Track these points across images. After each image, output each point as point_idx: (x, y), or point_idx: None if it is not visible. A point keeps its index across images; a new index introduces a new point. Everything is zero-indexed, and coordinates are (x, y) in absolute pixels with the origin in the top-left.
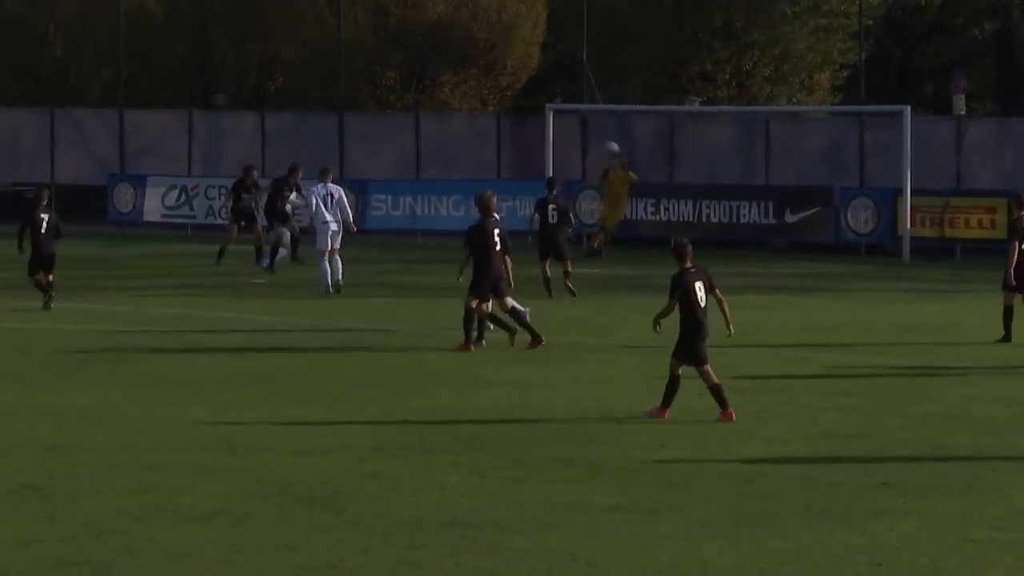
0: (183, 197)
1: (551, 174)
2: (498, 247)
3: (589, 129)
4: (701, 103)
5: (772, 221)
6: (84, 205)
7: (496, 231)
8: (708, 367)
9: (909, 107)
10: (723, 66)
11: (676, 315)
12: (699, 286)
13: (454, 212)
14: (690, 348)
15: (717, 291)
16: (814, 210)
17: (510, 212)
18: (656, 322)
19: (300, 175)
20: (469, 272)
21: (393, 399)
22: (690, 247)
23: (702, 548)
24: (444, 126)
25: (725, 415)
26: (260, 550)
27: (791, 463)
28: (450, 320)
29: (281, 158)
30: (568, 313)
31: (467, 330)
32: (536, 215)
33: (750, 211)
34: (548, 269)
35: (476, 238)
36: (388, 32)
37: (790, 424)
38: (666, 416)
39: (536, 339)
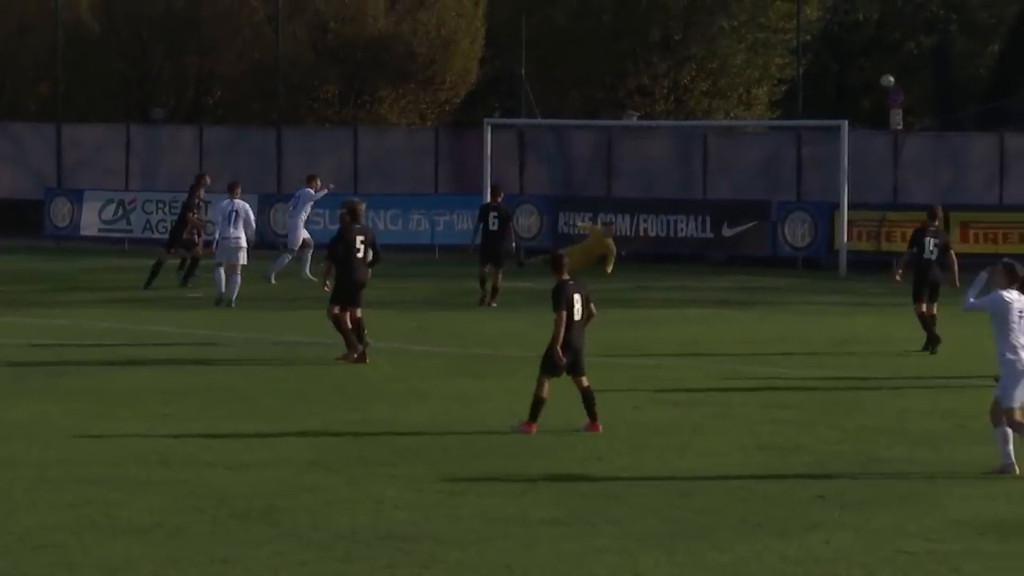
0: (120, 211)
1: (493, 183)
2: (360, 254)
3: (527, 143)
4: (639, 117)
5: (709, 235)
6: (21, 219)
7: (360, 238)
8: (547, 381)
9: (846, 122)
10: (661, 80)
11: (549, 327)
12: (578, 298)
13: (392, 226)
14: (552, 359)
15: (592, 306)
16: (751, 224)
17: (448, 226)
18: (560, 350)
19: (207, 182)
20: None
21: (331, 412)
22: (567, 259)
23: (638, 561)
24: (382, 140)
25: (526, 427)
26: (195, 564)
27: (728, 476)
28: (389, 333)
29: (219, 172)
30: (505, 327)
31: (345, 337)
32: (480, 223)
33: (687, 225)
34: (486, 272)
35: (340, 245)
36: (327, 47)
37: (727, 437)
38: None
39: (362, 357)
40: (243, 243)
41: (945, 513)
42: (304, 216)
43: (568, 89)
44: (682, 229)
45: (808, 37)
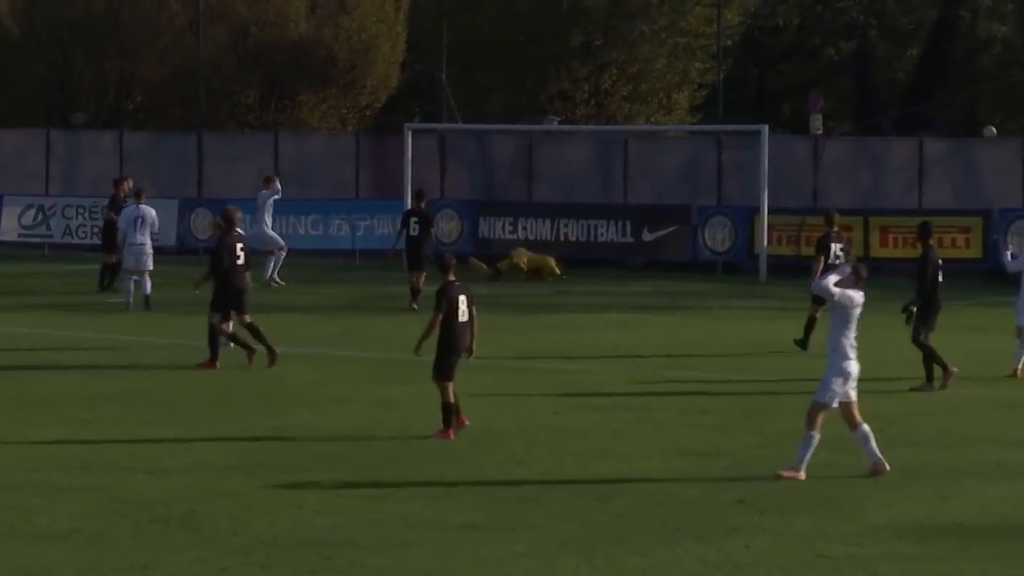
0: (40, 216)
1: (417, 188)
2: (240, 261)
3: (448, 148)
4: (560, 122)
5: (630, 239)
6: None
7: (239, 245)
8: (451, 385)
9: (767, 126)
10: (581, 85)
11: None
12: (462, 299)
13: (312, 231)
14: (442, 363)
15: (473, 308)
16: (672, 228)
17: (368, 231)
18: (420, 344)
19: (127, 186)
20: (209, 286)
21: (251, 417)
22: (454, 261)
23: (558, 566)
24: (302, 145)
25: (443, 433)
26: (116, 569)
27: (648, 480)
28: (311, 338)
29: (140, 177)
30: None
31: (212, 346)
32: (402, 228)
33: (608, 229)
34: (415, 279)
35: (221, 254)
36: (247, 51)
37: (647, 441)
38: (452, 436)
39: (273, 355)
40: (149, 249)
41: (864, 517)
42: (268, 218)
43: (489, 94)
44: (603, 234)
45: (728, 42)
